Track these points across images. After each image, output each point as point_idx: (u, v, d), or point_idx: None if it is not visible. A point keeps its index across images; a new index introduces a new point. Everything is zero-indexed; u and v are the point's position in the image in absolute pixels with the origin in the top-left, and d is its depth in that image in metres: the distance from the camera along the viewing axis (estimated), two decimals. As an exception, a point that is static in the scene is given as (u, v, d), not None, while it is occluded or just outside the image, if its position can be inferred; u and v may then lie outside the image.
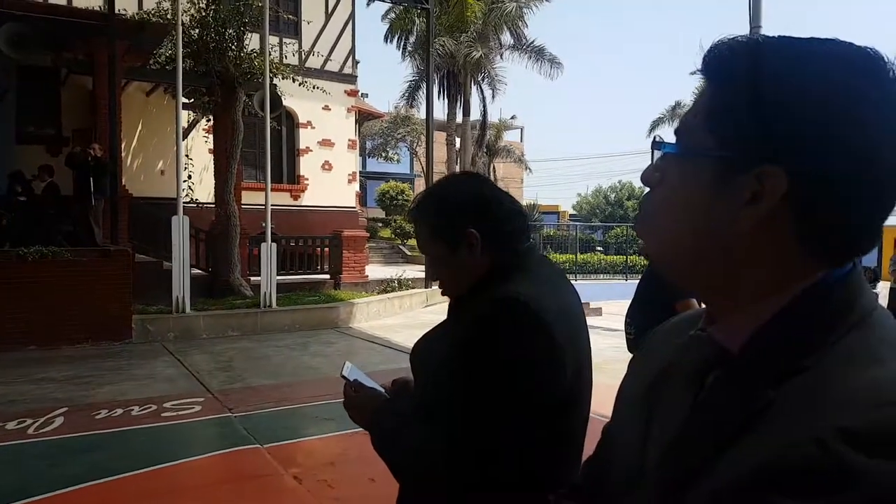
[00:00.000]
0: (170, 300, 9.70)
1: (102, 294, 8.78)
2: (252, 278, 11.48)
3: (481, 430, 1.09)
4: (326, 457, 4.77)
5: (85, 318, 8.64)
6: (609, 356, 5.78)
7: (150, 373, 7.40)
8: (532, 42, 24.99)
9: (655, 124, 30.78)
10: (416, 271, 14.40)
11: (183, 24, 10.18)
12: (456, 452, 1.10)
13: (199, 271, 11.34)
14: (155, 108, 13.71)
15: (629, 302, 3.70)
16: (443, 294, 1.34)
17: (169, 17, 11.26)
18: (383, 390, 1.35)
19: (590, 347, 1.26)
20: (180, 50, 9.85)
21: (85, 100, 12.44)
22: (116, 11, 10.21)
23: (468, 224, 1.24)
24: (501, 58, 25.40)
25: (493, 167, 30.43)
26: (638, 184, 41.23)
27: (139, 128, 13.49)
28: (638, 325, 3.47)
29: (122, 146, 11.55)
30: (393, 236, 22.17)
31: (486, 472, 1.10)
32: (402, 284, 13.17)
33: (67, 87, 12.39)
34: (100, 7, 11.37)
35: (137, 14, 12.00)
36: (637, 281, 3.93)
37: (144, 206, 12.02)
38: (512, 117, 34.54)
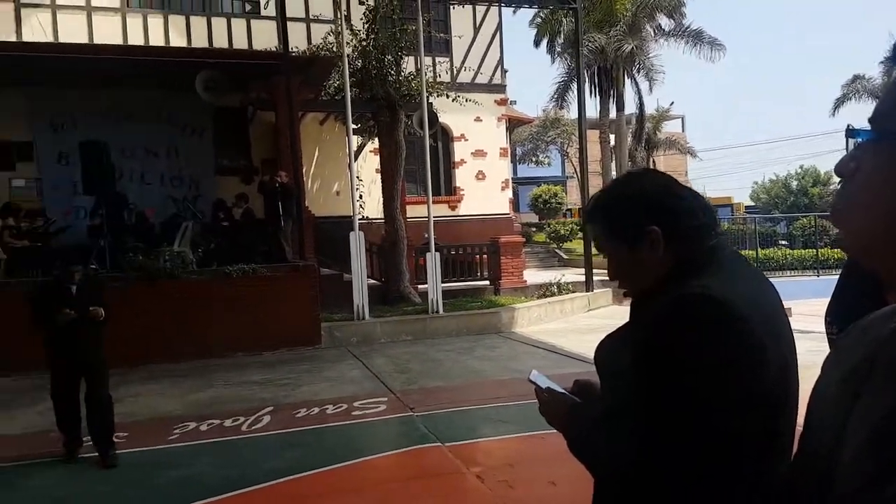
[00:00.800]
0: (351, 308, 10.59)
1: (295, 305, 9.83)
2: (419, 286, 12.18)
3: (671, 431, 1.07)
4: (505, 458, 4.99)
5: (281, 326, 9.71)
6: (807, 360, 5.49)
7: (338, 375, 8.17)
8: (688, 26, 23.88)
9: (840, 102, 27.81)
10: (575, 275, 14.37)
11: (347, 55, 11.09)
12: (651, 454, 1.09)
13: (374, 281, 12.24)
14: (328, 135, 15.01)
15: (825, 300, 3.55)
16: (625, 295, 1.33)
17: (334, 50, 12.31)
18: (570, 394, 1.36)
19: (795, 346, 1.19)
20: (347, 80, 10.74)
21: (269, 133, 13.91)
22: (290, 50, 11.35)
23: (647, 221, 1.21)
24: (657, 43, 24.48)
25: (654, 161, 29.35)
26: (824, 169, 37.48)
27: (316, 154, 14.83)
28: (841, 324, 3.32)
29: (303, 172, 12.79)
30: (548, 240, 22.13)
31: (685, 472, 1.08)
32: (562, 289, 13.19)
33: (254, 122, 13.93)
34: (275, 48, 12.71)
35: (308, 50, 13.24)
36: (832, 276, 3.73)
37: (325, 224, 13.20)
38: (671, 104, 33.09)
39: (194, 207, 12.35)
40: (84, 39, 13.38)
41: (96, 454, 5.04)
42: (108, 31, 13.78)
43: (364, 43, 11.85)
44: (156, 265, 9.31)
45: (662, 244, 1.21)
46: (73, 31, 13.56)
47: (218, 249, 10.92)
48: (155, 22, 14.30)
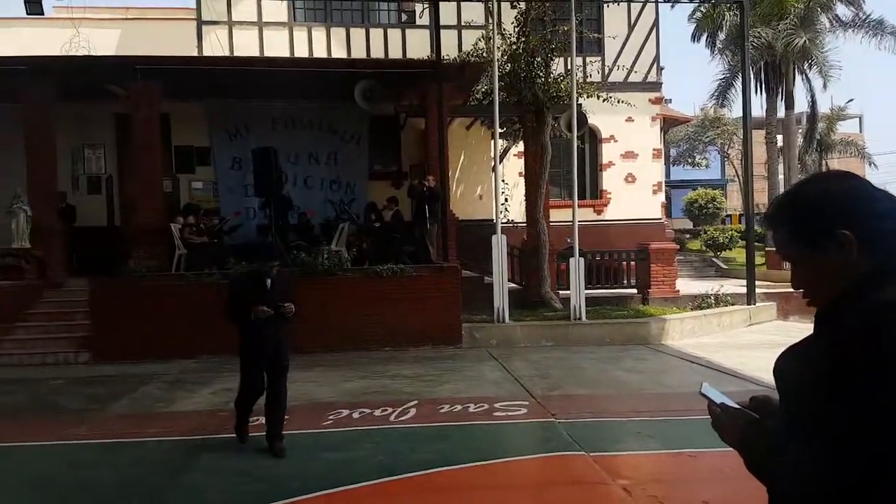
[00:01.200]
0: (491, 311, 10.69)
1: (438, 305, 10.10)
2: (560, 292, 12.01)
3: (861, 451, 1.01)
4: (653, 473, 4.81)
5: (425, 324, 10.03)
6: None
7: (479, 375, 8.29)
8: (868, 15, 21.61)
9: None
10: (736, 286, 13.45)
11: (496, 59, 11.20)
12: (836, 476, 1.03)
13: (514, 285, 12.25)
14: (473, 139, 15.26)
15: None
16: (808, 304, 1.24)
17: (484, 55, 12.51)
18: (747, 410, 1.28)
19: None
20: (496, 84, 10.85)
21: (418, 138, 14.41)
22: (442, 57, 11.68)
23: (837, 224, 1.14)
24: (834, 35, 22.37)
25: (826, 164, 26.85)
26: None
27: (461, 158, 15.14)
28: None
29: (449, 176, 13.12)
30: (703, 248, 20.89)
31: (871, 492, 1.01)
32: (720, 300, 12.33)
33: (405, 129, 14.50)
34: (428, 55, 13.13)
35: (459, 57, 13.56)
36: None
37: (468, 227, 13.42)
38: (847, 102, 30.10)
39: (350, 210, 13.07)
40: (255, 52, 14.63)
41: (262, 434, 5.40)
42: (277, 44, 14.99)
43: (514, 46, 11.92)
44: (316, 263, 9.97)
45: (854, 249, 1.12)
46: (246, 45, 14.91)
47: (369, 249, 11.49)
48: (318, 35, 15.33)
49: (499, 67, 11.32)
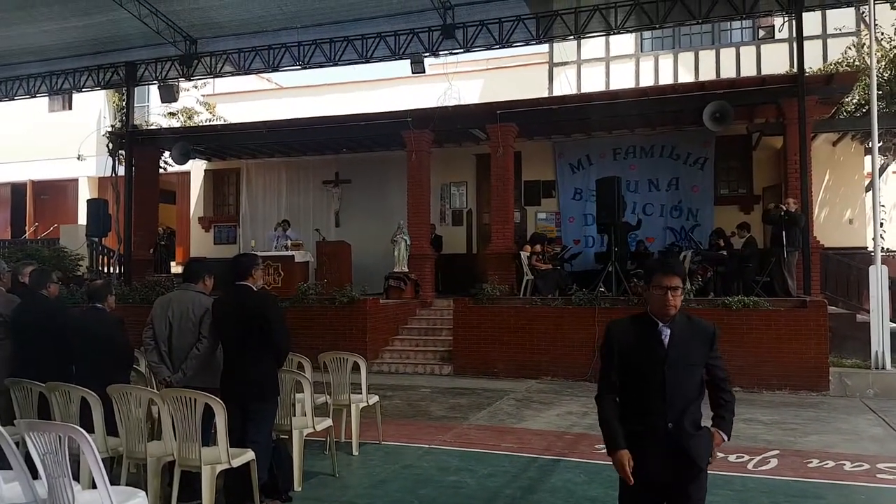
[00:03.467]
0: (866, 354, 9.22)
1: (798, 344, 9.05)
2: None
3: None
4: None
5: (782, 366, 9.07)
6: None
7: (853, 428, 7.18)
8: None
9: None
10: None
11: (874, 65, 9.74)
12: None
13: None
14: (842, 156, 13.40)
15: None
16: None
17: (856, 63, 11.00)
18: None
19: None
20: (874, 93, 9.41)
21: (773, 159, 13.23)
22: (804, 70, 10.59)
23: None
24: None
25: None
26: None
27: (826, 178, 13.42)
28: None
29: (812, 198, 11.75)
30: None
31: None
32: None
33: (758, 149, 13.45)
34: (786, 70, 12.03)
35: (823, 68, 12.13)
36: None
37: (834, 256, 11.83)
38: None
39: (692, 237, 12.57)
40: (601, 87, 15.12)
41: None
42: (622, 77, 15.28)
43: (895, 51, 10.27)
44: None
45: None
46: (592, 81, 15.50)
47: (715, 279, 10.86)
48: (665, 62, 15.20)
49: (876, 75, 9.85)
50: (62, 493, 3.02)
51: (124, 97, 15.26)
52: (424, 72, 12.34)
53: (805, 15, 10.36)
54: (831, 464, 5.78)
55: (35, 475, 3.12)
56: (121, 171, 14.61)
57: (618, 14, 11.01)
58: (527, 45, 12.20)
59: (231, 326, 4.50)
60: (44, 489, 3.07)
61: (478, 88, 16.11)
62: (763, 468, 5.71)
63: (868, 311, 9.68)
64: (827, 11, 12.54)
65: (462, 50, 12.05)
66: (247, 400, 4.42)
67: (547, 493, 5.13)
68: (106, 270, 15.04)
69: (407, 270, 12.60)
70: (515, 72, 16.47)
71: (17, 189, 20.93)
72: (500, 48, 12.08)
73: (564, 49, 15.43)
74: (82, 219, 16.59)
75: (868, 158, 11.77)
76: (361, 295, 11.31)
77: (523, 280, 11.96)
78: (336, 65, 12.86)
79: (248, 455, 4.22)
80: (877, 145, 9.66)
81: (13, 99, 15.44)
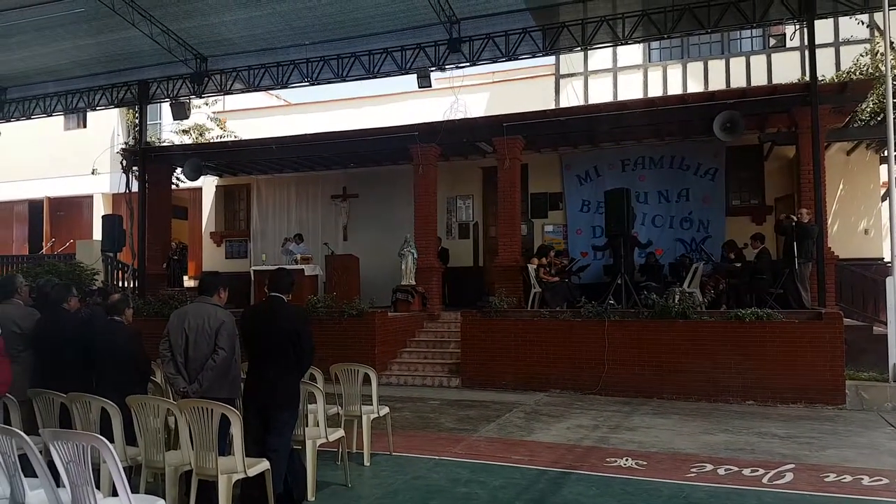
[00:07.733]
0: (884, 367, 9.00)
1: (813, 357, 8.85)
2: None
3: None
4: None
5: (796, 378, 8.86)
6: None
7: (871, 442, 6.97)
8: None
9: None
10: None
11: (890, 71, 9.59)
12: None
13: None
14: (856, 165, 13.22)
15: None
16: None
17: (869, 71, 10.84)
18: None
19: None
20: (890, 100, 9.25)
21: (785, 169, 13.06)
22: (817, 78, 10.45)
23: None
24: None
25: None
26: None
27: (840, 187, 13.22)
28: None
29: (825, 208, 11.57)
30: None
31: None
32: None
33: (770, 159, 13.28)
34: (798, 79, 11.89)
35: (837, 76, 11.99)
36: None
37: (849, 267, 11.61)
38: None
39: (703, 248, 12.40)
40: (609, 98, 15.03)
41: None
42: (629, 88, 15.20)
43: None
44: (668, 304, 9.64)
45: None
46: (600, 92, 15.42)
47: (727, 291, 10.68)
48: (673, 72, 15.12)
49: (891, 82, 9.68)
50: (85, 499, 3.12)
51: (137, 115, 15.39)
52: (431, 86, 12.31)
53: (817, 23, 10.25)
54: (849, 478, 5.59)
55: (58, 483, 3.22)
56: (134, 187, 14.70)
57: (625, 25, 10.93)
58: (533, 57, 12.15)
59: (262, 336, 4.65)
60: (67, 496, 3.17)
61: (484, 101, 16.08)
62: (778, 482, 5.54)
63: (885, 324, 9.46)
64: (840, 19, 12.40)
65: (468, 63, 12.01)
66: (270, 409, 4.56)
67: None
68: (121, 284, 15.07)
69: (414, 283, 12.53)
70: (522, 84, 16.45)
71: (34, 206, 21.12)
72: (506, 61, 12.03)
73: (571, 61, 15.39)
74: (97, 234, 16.69)
75: (884, 168, 11.59)
76: (370, 308, 11.23)
77: (531, 293, 11.82)
78: (344, 80, 12.87)
79: (264, 465, 4.33)
80: (893, 154, 9.46)
81: (30, 118, 15.59)
